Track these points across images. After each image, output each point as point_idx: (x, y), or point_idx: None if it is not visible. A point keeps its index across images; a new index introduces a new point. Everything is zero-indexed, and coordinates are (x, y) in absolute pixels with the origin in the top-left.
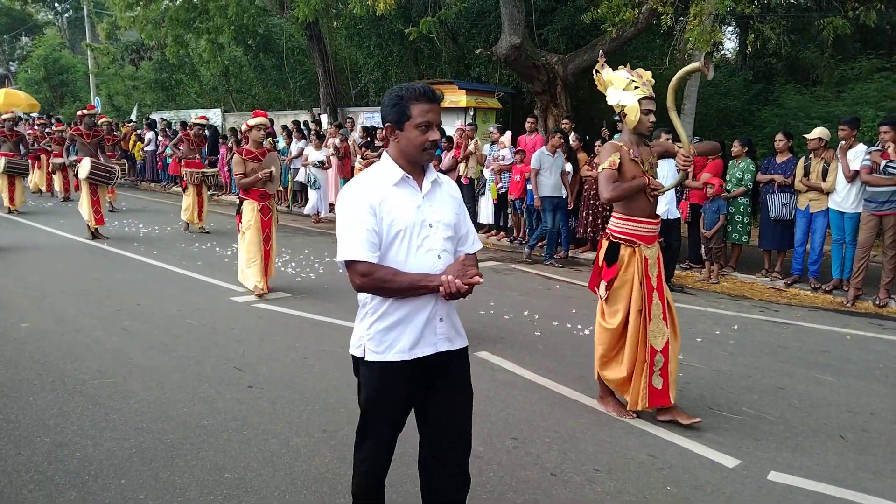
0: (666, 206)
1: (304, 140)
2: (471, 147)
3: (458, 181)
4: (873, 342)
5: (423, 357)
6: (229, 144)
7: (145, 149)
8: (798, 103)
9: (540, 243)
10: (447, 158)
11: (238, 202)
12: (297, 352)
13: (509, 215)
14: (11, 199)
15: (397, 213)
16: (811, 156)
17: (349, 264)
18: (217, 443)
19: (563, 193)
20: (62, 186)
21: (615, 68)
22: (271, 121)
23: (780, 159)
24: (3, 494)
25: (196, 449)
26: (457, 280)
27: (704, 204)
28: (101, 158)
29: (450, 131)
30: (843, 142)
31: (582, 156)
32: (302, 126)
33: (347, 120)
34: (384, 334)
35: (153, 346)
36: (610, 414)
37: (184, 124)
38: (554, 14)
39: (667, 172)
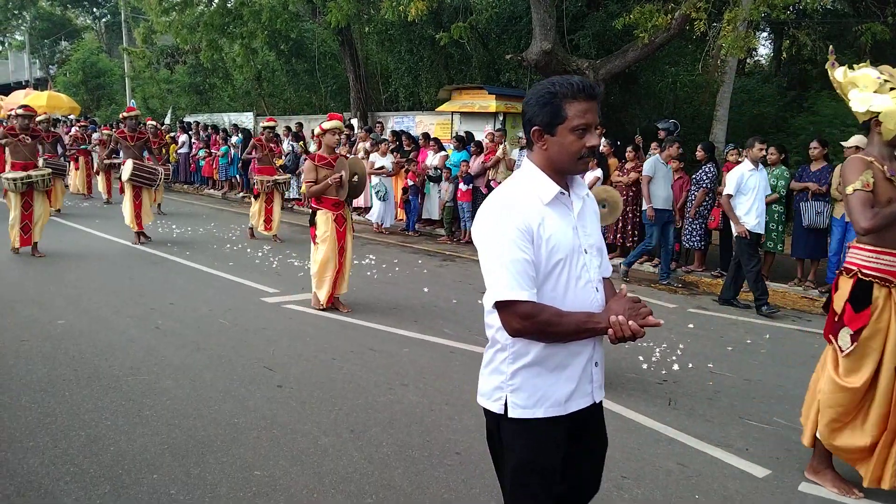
0: (757, 218)
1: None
2: (499, 152)
3: (487, 185)
4: None
5: (577, 410)
6: (248, 147)
7: (179, 151)
8: (833, 111)
9: (639, 260)
10: (476, 163)
11: (311, 212)
12: (327, 353)
13: None
14: (51, 200)
15: (557, 238)
16: None
17: (506, 305)
18: (247, 440)
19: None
20: (105, 188)
21: (648, 74)
22: (299, 125)
23: (814, 167)
24: (41, 485)
25: (226, 446)
26: (630, 322)
27: None
28: (146, 161)
29: (479, 136)
30: None
31: (612, 161)
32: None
33: (377, 124)
34: (533, 385)
35: (185, 345)
36: (830, 490)
37: (244, 131)
38: (585, 20)
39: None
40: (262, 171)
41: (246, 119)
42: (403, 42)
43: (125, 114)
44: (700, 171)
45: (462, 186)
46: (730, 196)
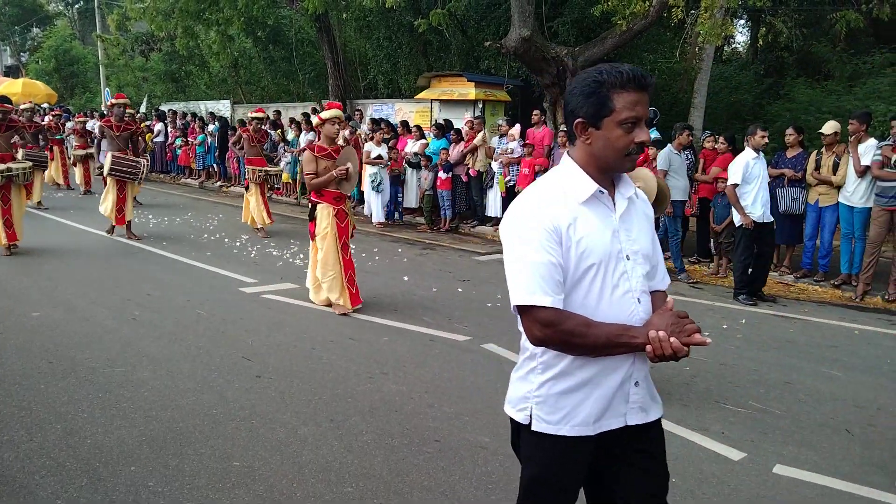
0: (762, 208)
1: (312, 132)
2: (477, 140)
3: (466, 173)
4: (881, 337)
5: (607, 431)
6: (234, 138)
7: (155, 140)
8: (809, 98)
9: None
10: (455, 151)
11: (310, 206)
12: (305, 342)
13: None
14: (29, 194)
15: (591, 240)
16: (823, 150)
17: (526, 310)
18: (225, 431)
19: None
20: (83, 179)
21: (627, 61)
22: (278, 112)
23: (790, 153)
24: (16, 479)
25: (205, 437)
26: (672, 339)
27: (714, 198)
28: (130, 153)
29: (457, 123)
30: (853, 136)
31: None
32: (313, 118)
33: (356, 112)
34: (560, 399)
35: (163, 336)
36: None
37: (221, 119)
38: (564, 7)
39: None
40: (252, 161)
41: (223, 107)
42: (382, 29)
43: (112, 101)
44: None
45: (442, 174)
46: (735, 185)
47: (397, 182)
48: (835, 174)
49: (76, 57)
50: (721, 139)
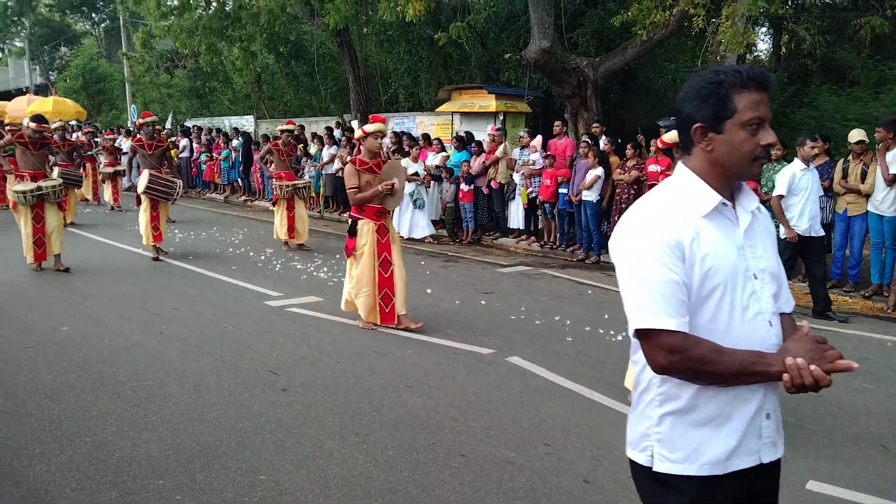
0: (809, 221)
1: (335, 146)
2: (499, 152)
3: (488, 185)
4: None
5: (738, 471)
6: (262, 152)
7: (180, 155)
8: (835, 105)
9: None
10: (477, 163)
11: (350, 222)
12: (330, 356)
13: (539, 219)
14: (63, 210)
15: (716, 257)
16: (850, 158)
17: (648, 335)
18: (252, 445)
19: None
20: (112, 195)
21: (648, 71)
22: (301, 127)
23: (816, 162)
24: (47, 492)
25: (232, 451)
26: (812, 366)
27: None
28: (164, 171)
29: (478, 136)
30: (880, 144)
31: (614, 159)
32: (335, 132)
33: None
34: (685, 435)
35: (189, 350)
36: None
37: (265, 137)
38: (584, 17)
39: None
40: (280, 176)
41: (246, 122)
42: (402, 43)
43: (141, 120)
44: None
45: (463, 187)
46: (781, 197)
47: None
48: (863, 182)
49: (103, 75)
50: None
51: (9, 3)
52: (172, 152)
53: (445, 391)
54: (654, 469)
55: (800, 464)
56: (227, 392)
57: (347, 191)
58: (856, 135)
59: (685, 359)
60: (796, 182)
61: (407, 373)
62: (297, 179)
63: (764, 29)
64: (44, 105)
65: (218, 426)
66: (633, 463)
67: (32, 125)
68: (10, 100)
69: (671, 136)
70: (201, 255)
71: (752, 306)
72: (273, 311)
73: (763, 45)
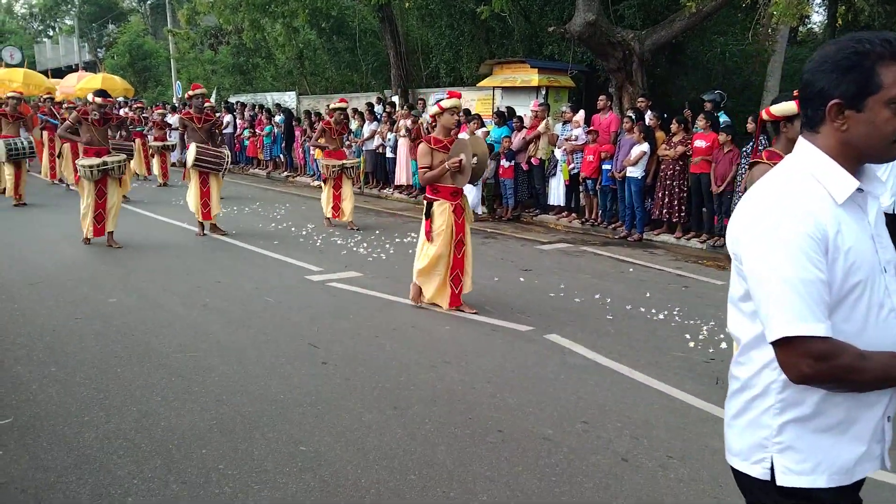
0: (892, 197)
1: (376, 122)
2: (541, 127)
3: (528, 161)
4: None
5: (860, 480)
6: (303, 127)
7: (224, 131)
8: None
9: (686, 236)
10: (517, 139)
11: (426, 203)
12: (369, 330)
13: (581, 196)
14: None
15: (858, 251)
16: None
17: (792, 342)
18: (292, 417)
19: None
20: (160, 170)
21: (696, 44)
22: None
23: None
24: (96, 459)
25: (272, 422)
26: None
27: None
28: (211, 144)
29: (520, 111)
30: None
31: (660, 135)
32: (376, 107)
33: (419, 101)
34: (811, 443)
35: (232, 323)
36: None
37: (317, 114)
38: None
39: None
40: (330, 155)
41: (288, 98)
42: (444, 17)
43: (191, 92)
44: (750, 144)
45: (504, 163)
46: None
47: None
48: None
49: (148, 52)
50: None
51: None
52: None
53: (483, 367)
54: (777, 483)
55: None
56: (268, 364)
57: (419, 170)
58: None
59: (833, 367)
60: None
61: (444, 348)
62: (346, 159)
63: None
64: (93, 82)
65: (259, 398)
66: (740, 474)
67: (98, 100)
68: (61, 77)
69: (783, 108)
70: (244, 230)
71: (886, 303)
72: (313, 285)
73: (818, 16)
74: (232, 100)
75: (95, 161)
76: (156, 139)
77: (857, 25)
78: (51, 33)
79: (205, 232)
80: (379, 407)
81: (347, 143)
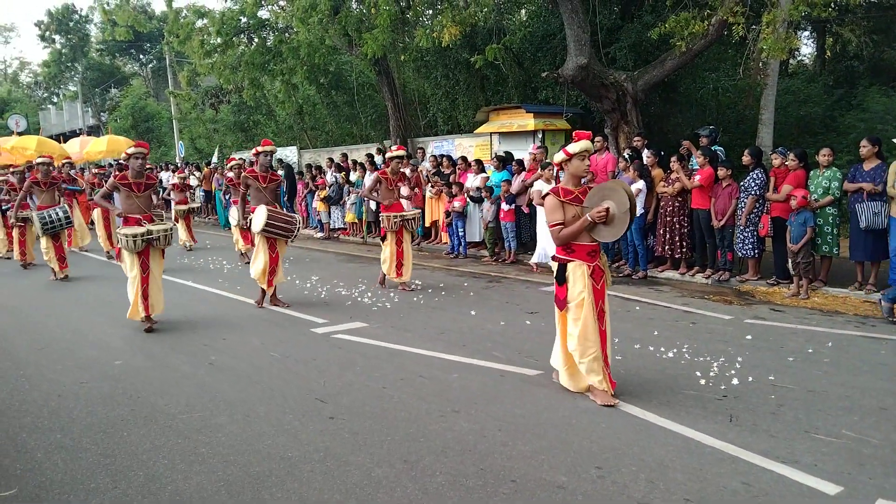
0: None
1: (376, 172)
2: (540, 170)
3: (528, 204)
4: None
5: None
6: (306, 181)
7: (216, 188)
8: (884, 106)
9: (690, 272)
10: (517, 182)
11: (558, 266)
12: (377, 381)
13: None
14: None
15: None
16: None
17: None
18: (301, 474)
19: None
20: (187, 235)
21: (688, 82)
22: (344, 155)
23: (867, 166)
24: None
25: (281, 481)
26: None
27: (790, 217)
28: (278, 208)
29: (518, 155)
30: None
31: (657, 172)
32: (376, 158)
33: (418, 150)
34: None
35: (239, 380)
36: None
37: (318, 167)
38: (620, 32)
39: None
40: (390, 208)
41: (290, 153)
42: (439, 67)
43: (259, 148)
44: (748, 177)
45: (504, 206)
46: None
47: (461, 216)
48: None
49: (150, 113)
50: (791, 155)
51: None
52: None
53: (493, 414)
54: None
55: (866, 481)
56: (275, 421)
57: (550, 229)
58: None
59: None
60: None
61: (453, 397)
62: (405, 210)
63: (807, 33)
64: (98, 145)
65: (267, 456)
66: None
67: (134, 150)
68: (65, 141)
69: None
70: (249, 285)
71: None
72: (319, 338)
73: (807, 48)
74: (236, 157)
75: (139, 230)
76: (178, 203)
77: (845, 56)
78: (55, 100)
79: (264, 304)
80: (389, 461)
81: (349, 193)
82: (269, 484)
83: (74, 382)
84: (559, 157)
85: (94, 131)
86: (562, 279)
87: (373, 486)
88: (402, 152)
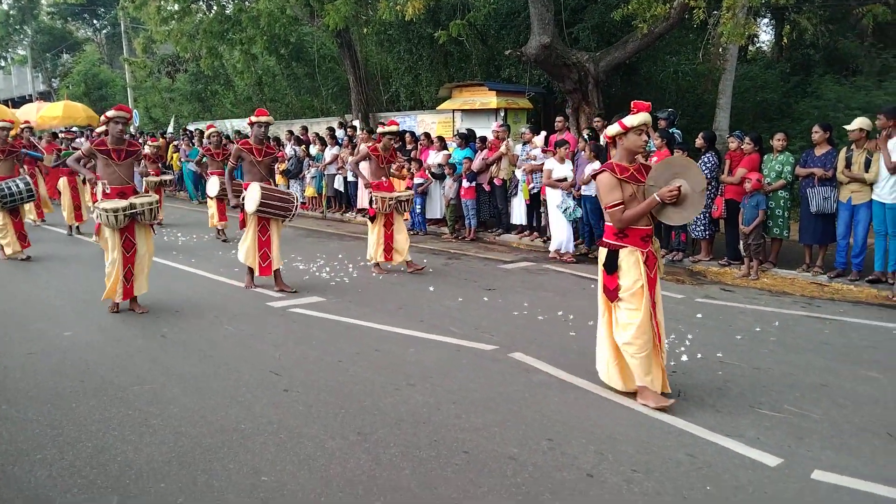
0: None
1: (337, 146)
2: (502, 148)
3: (490, 182)
4: None
5: None
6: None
7: (182, 159)
8: (837, 94)
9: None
10: (478, 160)
11: (607, 252)
12: (332, 355)
13: (542, 215)
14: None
15: None
16: (853, 147)
17: None
18: (254, 446)
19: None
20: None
21: (649, 65)
22: (304, 128)
23: (818, 152)
24: (49, 497)
25: (233, 453)
26: None
27: (743, 199)
28: (272, 183)
29: (480, 132)
30: (883, 132)
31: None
32: (338, 132)
33: (379, 125)
34: None
35: (192, 353)
36: None
37: (276, 139)
38: (584, 12)
39: None
40: (381, 186)
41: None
42: (402, 42)
43: (254, 118)
44: (699, 160)
45: (465, 183)
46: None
47: (422, 192)
48: (867, 171)
49: (104, 81)
50: (747, 139)
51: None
52: (176, 156)
53: (447, 388)
54: None
55: (804, 454)
56: (228, 394)
57: (608, 210)
58: (855, 123)
59: None
60: None
61: (409, 371)
62: (401, 191)
63: (766, 20)
64: (53, 110)
65: (220, 428)
66: None
67: (114, 115)
68: (14, 107)
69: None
70: (203, 258)
71: None
72: (275, 311)
73: (765, 35)
74: (191, 127)
75: (121, 203)
76: (153, 173)
77: (802, 44)
78: (2, 64)
79: (255, 286)
80: (342, 433)
81: (308, 166)
82: (220, 455)
83: (22, 354)
84: (613, 129)
85: (45, 97)
86: (613, 267)
87: (326, 458)
88: (395, 128)
